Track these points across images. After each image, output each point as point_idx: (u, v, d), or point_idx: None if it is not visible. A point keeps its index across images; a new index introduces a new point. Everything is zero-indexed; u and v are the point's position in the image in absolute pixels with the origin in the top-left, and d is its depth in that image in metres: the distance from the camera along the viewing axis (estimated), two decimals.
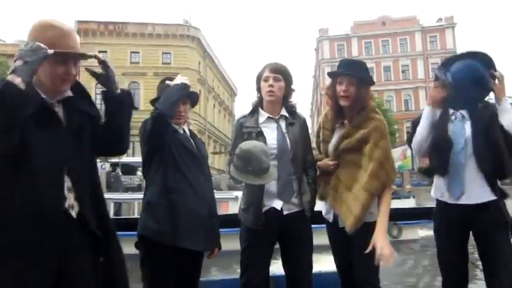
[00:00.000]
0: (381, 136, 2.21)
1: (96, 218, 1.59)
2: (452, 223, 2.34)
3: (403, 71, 44.23)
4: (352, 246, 2.19)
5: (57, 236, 1.44)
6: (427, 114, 2.41)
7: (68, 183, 1.53)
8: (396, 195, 15.20)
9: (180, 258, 2.15)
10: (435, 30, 44.88)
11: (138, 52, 35.35)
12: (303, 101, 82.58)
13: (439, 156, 2.34)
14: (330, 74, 2.33)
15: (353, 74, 2.23)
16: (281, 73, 2.31)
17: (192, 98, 2.43)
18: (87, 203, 1.57)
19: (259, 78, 2.36)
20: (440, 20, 45.23)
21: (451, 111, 2.37)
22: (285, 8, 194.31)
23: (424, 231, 11.06)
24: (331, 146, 2.32)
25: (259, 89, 2.36)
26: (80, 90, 1.67)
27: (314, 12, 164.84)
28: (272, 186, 2.23)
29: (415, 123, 2.48)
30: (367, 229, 2.13)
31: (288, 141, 2.29)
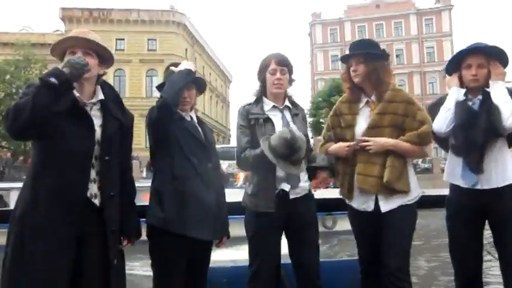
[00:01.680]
0: (417, 108, 2.27)
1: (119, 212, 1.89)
2: (467, 210, 2.28)
3: (397, 56, 43.25)
4: (383, 233, 2.20)
5: (77, 220, 1.71)
6: (453, 92, 2.38)
7: (93, 175, 1.79)
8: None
9: (188, 247, 2.13)
10: (431, 12, 43.85)
11: (123, 39, 35.01)
12: (301, 88, 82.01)
13: (466, 135, 2.26)
14: (342, 59, 2.47)
15: (358, 52, 2.30)
16: (287, 66, 2.38)
17: (199, 84, 2.39)
18: (109, 196, 1.83)
19: (263, 70, 2.39)
20: (437, 1, 44.02)
21: (469, 96, 2.34)
22: None
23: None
24: (362, 126, 2.30)
25: (263, 80, 2.40)
26: (112, 94, 1.95)
27: None
28: (280, 171, 2.27)
29: (432, 108, 2.44)
30: (399, 214, 2.18)
31: (295, 129, 2.31)
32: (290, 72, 2.40)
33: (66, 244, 1.67)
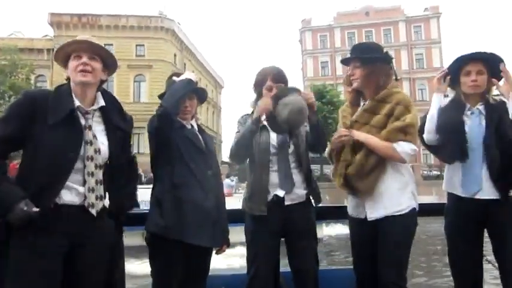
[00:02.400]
0: (406, 110, 2.20)
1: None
2: (467, 219, 2.26)
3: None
4: (378, 243, 2.17)
5: (67, 226, 1.75)
6: (434, 99, 2.40)
7: (91, 184, 1.81)
8: None
9: (188, 254, 2.15)
10: (420, 20, 44.13)
11: (111, 44, 34.76)
12: None
13: (456, 141, 2.25)
14: (342, 62, 2.45)
15: (354, 57, 2.32)
16: (283, 81, 2.44)
17: (200, 94, 2.45)
18: (104, 208, 1.86)
19: (259, 84, 2.46)
20: (426, 9, 44.36)
21: (467, 105, 2.32)
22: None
23: (330, 229, 10.68)
24: (352, 118, 2.31)
25: (259, 94, 2.47)
26: (112, 101, 1.97)
27: (299, 1, 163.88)
28: (274, 177, 2.33)
29: (422, 119, 2.43)
30: (390, 224, 2.14)
31: (289, 135, 2.38)
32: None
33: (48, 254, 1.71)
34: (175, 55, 37.49)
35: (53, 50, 32.48)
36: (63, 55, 1.90)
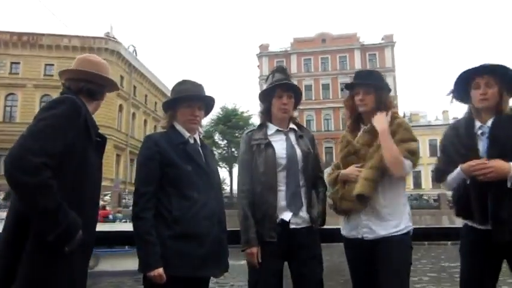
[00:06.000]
0: (409, 133, 2.23)
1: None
2: (484, 248, 2.11)
3: (342, 89, 43.33)
4: (376, 265, 2.14)
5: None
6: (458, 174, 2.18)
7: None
8: None
9: (188, 285, 2.04)
10: (374, 48, 44.61)
11: (52, 64, 33.91)
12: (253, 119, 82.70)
13: (479, 204, 2.06)
14: (347, 87, 2.42)
15: (369, 83, 2.32)
16: (293, 91, 2.41)
17: (208, 103, 2.32)
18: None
19: (267, 95, 2.41)
20: (383, 38, 44.94)
21: (478, 124, 2.20)
22: (232, 22, 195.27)
23: None
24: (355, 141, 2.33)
25: (269, 103, 2.41)
26: None
27: (258, 28, 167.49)
28: (281, 199, 2.25)
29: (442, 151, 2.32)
30: (392, 245, 2.12)
31: (299, 151, 2.33)
32: (296, 96, 2.43)
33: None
34: (122, 77, 36.50)
35: None
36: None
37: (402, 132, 2.20)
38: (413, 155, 2.17)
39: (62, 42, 34.43)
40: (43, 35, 34.62)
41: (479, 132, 2.17)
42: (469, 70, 2.21)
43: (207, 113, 2.33)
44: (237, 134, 32.96)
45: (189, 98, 2.19)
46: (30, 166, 1.54)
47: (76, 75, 1.94)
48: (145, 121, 42.37)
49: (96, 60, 2.01)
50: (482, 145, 2.13)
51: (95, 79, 1.95)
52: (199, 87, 2.24)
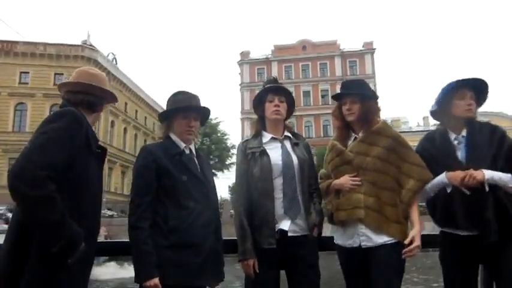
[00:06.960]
0: (407, 148, 2.30)
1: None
2: (465, 255, 2.20)
3: (322, 96, 43.63)
4: (372, 273, 2.16)
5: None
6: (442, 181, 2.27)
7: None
8: None
9: None
10: (355, 55, 44.93)
11: (27, 72, 33.41)
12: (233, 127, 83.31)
13: (464, 209, 2.15)
14: (334, 97, 2.46)
15: (355, 93, 2.35)
16: (285, 95, 2.43)
17: (204, 114, 2.36)
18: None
19: (260, 102, 2.44)
20: (363, 45, 45.31)
21: (453, 135, 2.31)
22: (214, 29, 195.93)
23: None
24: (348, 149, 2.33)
25: (262, 111, 2.43)
26: None
27: (239, 35, 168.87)
28: (279, 207, 2.25)
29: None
30: (386, 249, 2.14)
31: (295, 158, 2.34)
32: (288, 101, 2.44)
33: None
34: None
35: None
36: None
37: (399, 148, 2.27)
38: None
39: (37, 50, 34.02)
40: (17, 42, 34.19)
41: (455, 142, 2.29)
42: (461, 81, 2.31)
43: (202, 123, 2.36)
44: (204, 141, 32.70)
45: (185, 109, 2.22)
46: (35, 179, 1.57)
47: (75, 87, 1.97)
48: (125, 129, 41.84)
49: (94, 72, 2.06)
50: (460, 153, 2.26)
51: (94, 91, 1.98)
52: (195, 98, 2.28)
